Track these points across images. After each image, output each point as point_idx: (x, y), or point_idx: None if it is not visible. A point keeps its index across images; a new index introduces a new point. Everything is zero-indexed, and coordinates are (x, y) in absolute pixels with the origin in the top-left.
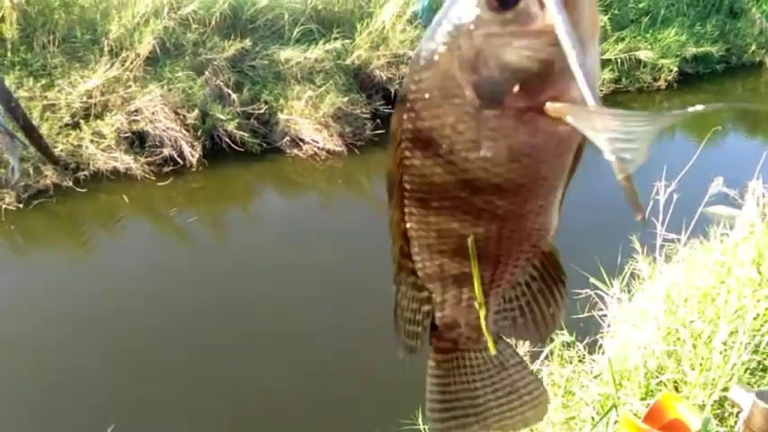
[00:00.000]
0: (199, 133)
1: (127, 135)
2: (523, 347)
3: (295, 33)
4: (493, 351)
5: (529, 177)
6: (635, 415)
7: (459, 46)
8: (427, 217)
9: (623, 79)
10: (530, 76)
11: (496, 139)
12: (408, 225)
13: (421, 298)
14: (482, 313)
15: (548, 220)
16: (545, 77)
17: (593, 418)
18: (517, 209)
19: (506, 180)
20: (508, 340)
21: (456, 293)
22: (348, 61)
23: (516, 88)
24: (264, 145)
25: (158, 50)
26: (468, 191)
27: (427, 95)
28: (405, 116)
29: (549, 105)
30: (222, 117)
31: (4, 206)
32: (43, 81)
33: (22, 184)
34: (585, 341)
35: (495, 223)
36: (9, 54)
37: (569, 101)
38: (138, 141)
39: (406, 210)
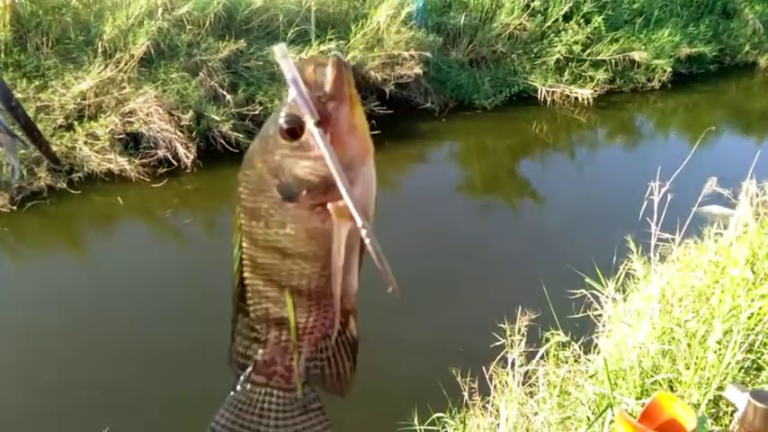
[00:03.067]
0: (193, 134)
1: (121, 136)
2: (519, 347)
3: (290, 34)
4: (299, 393)
5: (325, 250)
6: (630, 414)
7: (266, 159)
8: (256, 270)
9: (617, 80)
10: (314, 185)
11: (297, 223)
12: (244, 273)
13: (252, 336)
14: (295, 355)
15: (347, 281)
16: (326, 187)
17: (588, 418)
18: (319, 271)
19: (307, 251)
20: (315, 388)
21: (277, 335)
22: None
23: (305, 192)
24: None
25: (152, 51)
26: (282, 255)
27: (250, 186)
28: (239, 196)
29: (330, 206)
30: (217, 118)
31: None
32: (37, 82)
33: (16, 185)
34: (581, 341)
35: (305, 280)
36: (2, 55)
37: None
38: (132, 143)
39: (243, 261)
